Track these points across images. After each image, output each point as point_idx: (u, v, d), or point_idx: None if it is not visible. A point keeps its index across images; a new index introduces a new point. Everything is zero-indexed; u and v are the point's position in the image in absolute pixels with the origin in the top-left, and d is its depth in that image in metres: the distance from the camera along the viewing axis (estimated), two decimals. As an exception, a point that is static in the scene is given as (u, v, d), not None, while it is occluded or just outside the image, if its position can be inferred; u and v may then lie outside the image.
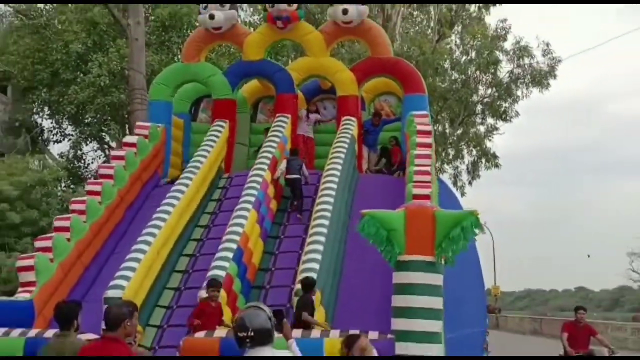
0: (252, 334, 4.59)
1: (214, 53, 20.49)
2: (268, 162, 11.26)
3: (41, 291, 8.89)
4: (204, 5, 13.31)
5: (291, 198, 11.66)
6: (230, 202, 11.09)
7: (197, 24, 13.91)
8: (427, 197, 9.14)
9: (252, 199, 10.20)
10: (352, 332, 5.82)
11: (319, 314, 8.07)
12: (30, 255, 9.35)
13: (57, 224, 10.10)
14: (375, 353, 5.05)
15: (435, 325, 6.15)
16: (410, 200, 9.00)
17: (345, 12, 12.80)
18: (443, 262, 6.27)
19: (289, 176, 11.47)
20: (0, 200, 13.87)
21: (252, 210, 10.03)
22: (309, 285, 7.99)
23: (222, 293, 8.36)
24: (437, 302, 6.19)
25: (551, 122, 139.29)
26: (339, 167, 11.07)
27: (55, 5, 25.84)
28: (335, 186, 10.49)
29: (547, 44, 28.38)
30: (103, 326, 4.79)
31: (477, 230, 6.22)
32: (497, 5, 29.04)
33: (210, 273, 8.66)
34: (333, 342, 6.24)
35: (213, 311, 7.92)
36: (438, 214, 6.25)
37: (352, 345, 5.16)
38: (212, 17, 13.09)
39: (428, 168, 10.26)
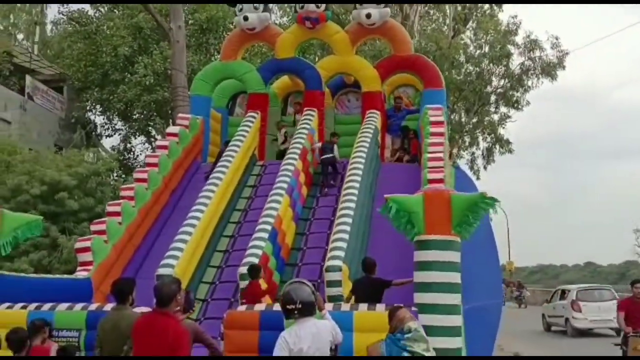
0: (300, 306, 4.71)
1: (247, 53, 20.54)
2: (299, 152, 11.31)
3: (98, 270, 9.10)
4: (239, 7, 13.33)
5: (320, 184, 11.79)
6: (265, 188, 11.20)
7: (233, 27, 13.94)
8: (440, 180, 9.17)
9: (285, 185, 10.29)
10: (396, 305, 5.87)
11: (346, 288, 8.12)
12: (88, 238, 9.54)
13: (109, 209, 10.24)
14: (415, 322, 5.13)
15: (454, 298, 6.13)
16: (426, 184, 9.01)
17: (368, 16, 12.74)
18: (460, 239, 6.27)
19: (322, 157, 11.84)
20: (60, 189, 14.07)
21: (285, 195, 10.11)
22: (370, 265, 7.79)
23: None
24: (455, 277, 6.16)
25: (560, 110, 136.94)
26: (364, 155, 11.07)
27: (104, 12, 26.10)
28: (360, 172, 10.49)
29: (556, 38, 27.89)
30: (155, 301, 4.88)
31: (490, 209, 6.18)
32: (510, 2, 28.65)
33: (248, 252, 8.78)
34: (362, 314, 6.29)
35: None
36: (453, 197, 6.21)
37: (392, 315, 5.24)
38: (246, 18, 13.13)
39: (441, 155, 10.27)
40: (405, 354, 4.87)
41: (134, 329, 4.84)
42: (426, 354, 4.90)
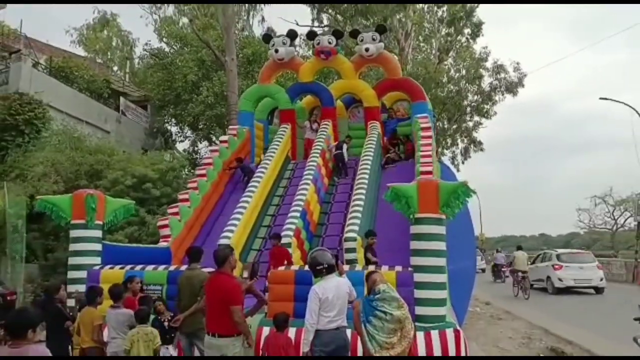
0: (326, 266, 4.77)
1: (282, 77, 20.49)
2: (320, 151, 11.30)
3: (174, 241, 9.19)
4: (272, 43, 13.27)
5: (336, 170, 11.91)
6: (296, 180, 11.20)
7: (269, 58, 13.91)
8: (430, 172, 9.08)
9: (311, 177, 10.29)
10: (370, 269, 5.85)
11: (360, 254, 8.11)
12: (166, 218, 9.65)
13: (181, 197, 10.36)
14: (385, 285, 4.80)
15: (441, 261, 6.11)
16: (419, 175, 8.92)
17: (367, 50, 12.63)
18: (445, 217, 6.20)
19: (335, 152, 11.95)
20: (146, 181, 14.22)
21: (311, 184, 10.11)
22: (369, 234, 8.15)
23: (293, 239, 8.47)
24: (441, 245, 6.13)
25: (520, 118, 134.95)
26: (372, 154, 11.02)
27: (176, 49, 26.26)
28: (369, 167, 10.45)
29: (517, 63, 27.78)
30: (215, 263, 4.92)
31: (469, 195, 6.09)
32: (481, 35, 28.21)
33: (285, 226, 8.77)
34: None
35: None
36: (440, 185, 6.16)
37: (368, 278, 5.03)
38: (277, 51, 13.09)
39: (430, 152, 10.17)
40: (377, 312, 4.55)
41: (206, 285, 4.88)
42: (394, 312, 4.52)
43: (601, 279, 17.17)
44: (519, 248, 18.49)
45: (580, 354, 8.60)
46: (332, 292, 4.66)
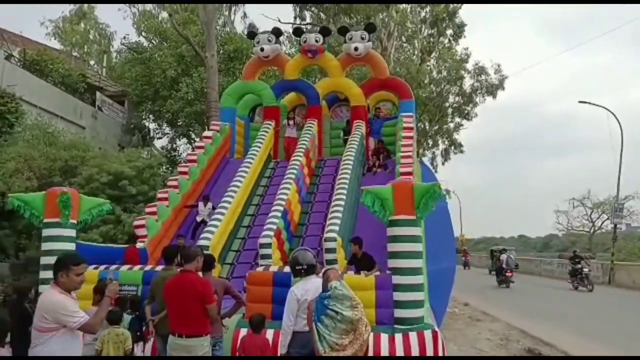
0: (305, 266, 4.73)
1: (264, 75, 20.37)
2: (303, 151, 11.27)
3: (151, 241, 9.09)
4: (257, 40, 13.24)
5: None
6: (277, 179, 11.16)
7: (252, 55, 13.83)
8: (410, 173, 9.15)
9: (293, 176, 10.25)
10: (328, 267, 5.81)
11: (340, 255, 8.14)
12: (143, 217, 9.50)
13: (159, 195, 10.23)
14: (337, 282, 4.55)
15: (418, 263, 6.13)
16: (399, 175, 8.97)
17: (356, 49, 12.68)
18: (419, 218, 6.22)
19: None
20: (122, 178, 13.94)
21: (293, 184, 10.08)
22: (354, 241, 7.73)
23: (274, 240, 8.42)
24: (418, 247, 6.15)
25: (500, 120, 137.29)
26: (353, 154, 11.04)
27: (155, 44, 25.93)
28: (350, 167, 10.46)
29: (498, 65, 28.12)
30: (182, 260, 4.77)
31: (441, 195, 6.06)
32: (464, 37, 28.53)
33: (266, 226, 8.70)
34: (348, 277, 6.29)
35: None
36: (415, 186, 6.15)
37: (323, 276, 4.89)
38: (262, 49, 13.08)
39: (410, 153, 10.25)
40: (329, 311, 4.28)
41: (170, 285, 4.71)
42: (345, 312, 4.26)
43: None
44: None
45: (557, 355, 8.78)
46: (312, 293, 4.65)
